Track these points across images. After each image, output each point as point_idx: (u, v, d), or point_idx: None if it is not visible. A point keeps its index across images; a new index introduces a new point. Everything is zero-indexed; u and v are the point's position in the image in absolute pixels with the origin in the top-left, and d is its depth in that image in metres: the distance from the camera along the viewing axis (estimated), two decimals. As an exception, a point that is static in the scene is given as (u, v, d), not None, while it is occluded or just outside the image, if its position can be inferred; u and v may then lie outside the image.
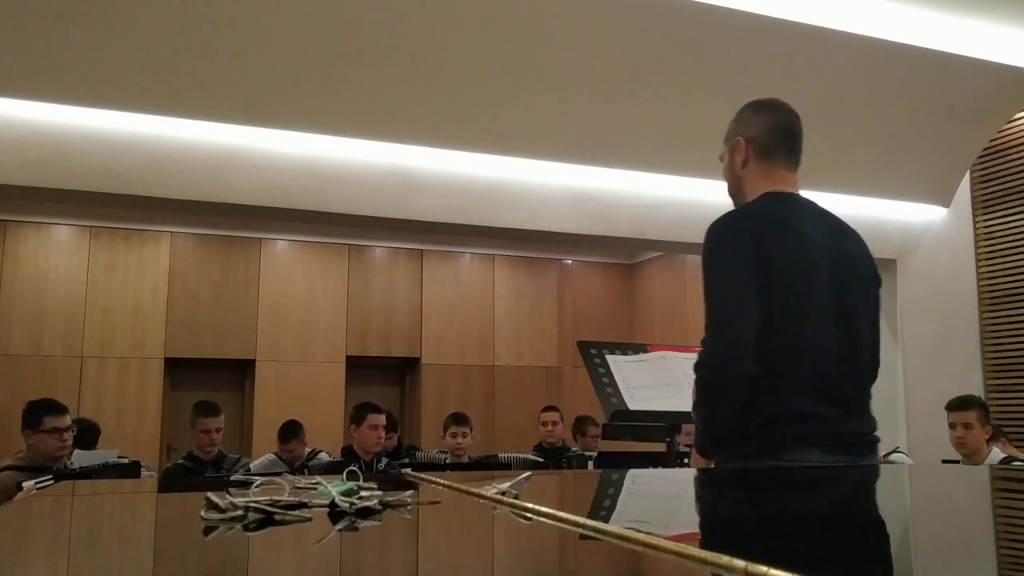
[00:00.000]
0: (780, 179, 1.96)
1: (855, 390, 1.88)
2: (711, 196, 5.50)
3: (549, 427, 5.47)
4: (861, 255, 1.96)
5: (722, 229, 1.87)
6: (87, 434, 4.68)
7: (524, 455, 5.34)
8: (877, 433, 1.90)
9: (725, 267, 1.84)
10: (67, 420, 3.59)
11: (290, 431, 4.81)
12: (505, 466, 4.73)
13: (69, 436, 3.61)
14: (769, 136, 1.97)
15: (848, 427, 1.84)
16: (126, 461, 3.65)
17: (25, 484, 1.88)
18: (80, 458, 3.85)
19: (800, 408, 1.79)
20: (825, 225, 1.93)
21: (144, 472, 3.76)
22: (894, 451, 4.86)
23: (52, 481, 2.03)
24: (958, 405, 3.94)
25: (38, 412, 3.52)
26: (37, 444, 3.49)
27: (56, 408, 3.57)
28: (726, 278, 1.83)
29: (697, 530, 1.01)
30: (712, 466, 1.93)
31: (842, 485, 1.53)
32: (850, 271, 1.91)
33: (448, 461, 4.80)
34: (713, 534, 0.96)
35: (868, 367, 1.95)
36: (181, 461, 4.42)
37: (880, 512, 1.23)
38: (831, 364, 1.83)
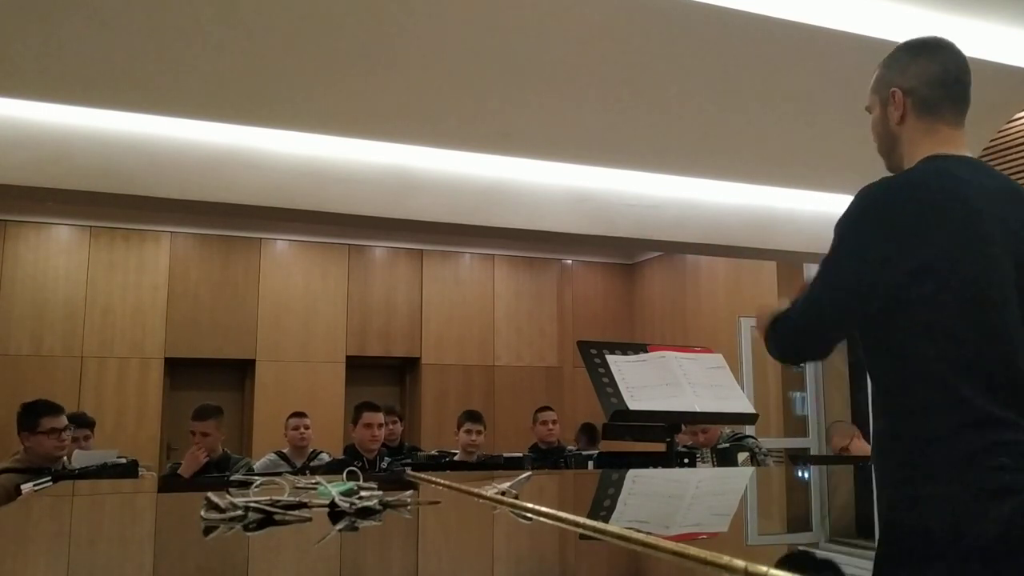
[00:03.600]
0: (945, 138, 1.65)
1: None
2: (711, 196, 5.54)
3: (550, 426, 5.50)
4: None
5: (875, 198, 1.58)
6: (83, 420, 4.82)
7: (509, 455, 5.32)
8: None
9: (855, 244, 1.57)
10: (64, 420, 3.57)
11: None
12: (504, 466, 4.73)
13: (67, 436, 3.59)
14: (932, 87, 1.66)
15: None
16: (124, 461, 3.64)
17: (24, 487, 1.86)
18: (79, 458, 3.84)
19: (985, 411, 1.45)
20: (1000, 193, 1.61)
21: (142, 472, 3.74)
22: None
23: (50, 482, 2.02)
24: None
25: (34, 414, 3.50)
26: (35, 446, 3.46)
27: (52, 409, 3.55)
28: (850, 258, 1.57)
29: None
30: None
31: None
32: None
33: (459, 459, 4.80)
34: None
35: None
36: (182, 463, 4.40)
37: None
38: (1016, 358, 1.49)
